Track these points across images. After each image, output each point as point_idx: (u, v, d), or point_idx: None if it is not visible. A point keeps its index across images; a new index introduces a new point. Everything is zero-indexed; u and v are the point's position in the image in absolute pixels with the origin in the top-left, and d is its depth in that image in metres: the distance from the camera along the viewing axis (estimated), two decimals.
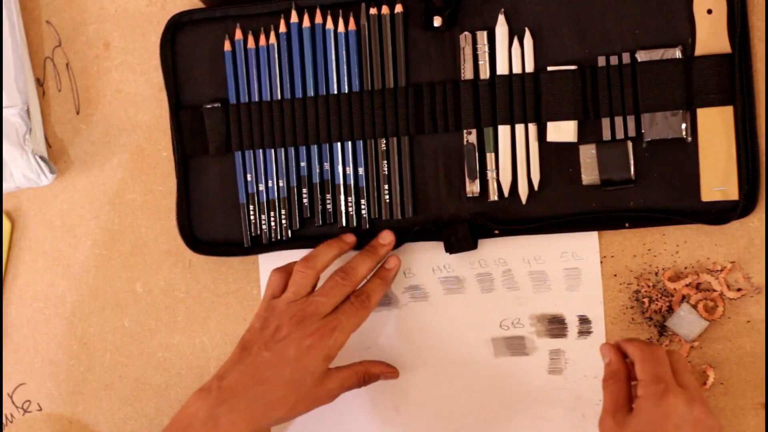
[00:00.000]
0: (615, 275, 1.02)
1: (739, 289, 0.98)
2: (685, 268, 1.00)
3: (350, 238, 1.05)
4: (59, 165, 1.14)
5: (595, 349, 0.98)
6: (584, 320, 1.02)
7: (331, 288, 1.01)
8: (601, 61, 0.99)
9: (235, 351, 1.01)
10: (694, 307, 0.99)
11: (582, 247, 1.02)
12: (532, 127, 1.01)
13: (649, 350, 0.92)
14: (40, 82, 1.14)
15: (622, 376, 0.93)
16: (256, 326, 1.01)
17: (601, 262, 1.02)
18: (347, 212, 1.05)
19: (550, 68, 1.00)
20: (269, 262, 1.08)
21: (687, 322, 0.99)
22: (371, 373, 1.05)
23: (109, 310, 1.14)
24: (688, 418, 0.87)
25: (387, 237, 1.04)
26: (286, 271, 1.04)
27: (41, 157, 1.10)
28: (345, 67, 1.04)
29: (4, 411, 1.16)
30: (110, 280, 1.13)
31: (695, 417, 0.88)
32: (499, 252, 1.04)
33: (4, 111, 1.09)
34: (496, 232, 1.03)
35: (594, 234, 1.02)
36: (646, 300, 1.01)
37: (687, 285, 0.99)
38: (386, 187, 1.04)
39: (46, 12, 1.14)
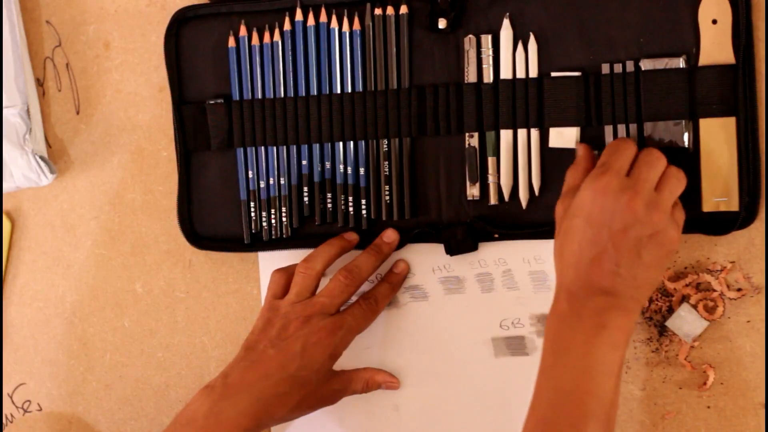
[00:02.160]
0: None
1: (739, 289, 0.99)
2: (685, 268, 1.00)
3: (352, 236, 1.05)
4: (59, 165, 1.13)
5: None
6: None
7: (334, 288, 1.01)
8: (605, 68, 0.99)
9: (240, 352, 1.01)
10: (694, 307, 0.99)
11: None
12: (534, 133, 1.01)
13: (614, 142, 0.93)
14: (40, 82, 1.13)
15: (581, 164, 0.95)
16: (259, 326, 1.01)
17: None
18: (347, 212, 1.05)
19: (553, 74, 1.00)
20: (269, 262, 1.08)
21: (687, 322, 0.99)
22: (374, 380, 1.05)
23: (109, 310, 1.13)
24: (620, 207, 0.87)
25: (391, 235, 1.04)
26: (288, 272, 1.04)
27: (41, 157, 1.09)
28: (349, 66, 1.04)
29: (4, 411, 1.15)
30: (110, 280, 1.13)
31: (632, 209, 0.87)
32: (499, 252, 1.04)
33: (4, 111, 1.08)
34: (496, 236, 1.03)
35: None
36: None
37: (687, 285, 0.99)
38: (387, 188, 1.04)
39: (46, 12, 1.13)
